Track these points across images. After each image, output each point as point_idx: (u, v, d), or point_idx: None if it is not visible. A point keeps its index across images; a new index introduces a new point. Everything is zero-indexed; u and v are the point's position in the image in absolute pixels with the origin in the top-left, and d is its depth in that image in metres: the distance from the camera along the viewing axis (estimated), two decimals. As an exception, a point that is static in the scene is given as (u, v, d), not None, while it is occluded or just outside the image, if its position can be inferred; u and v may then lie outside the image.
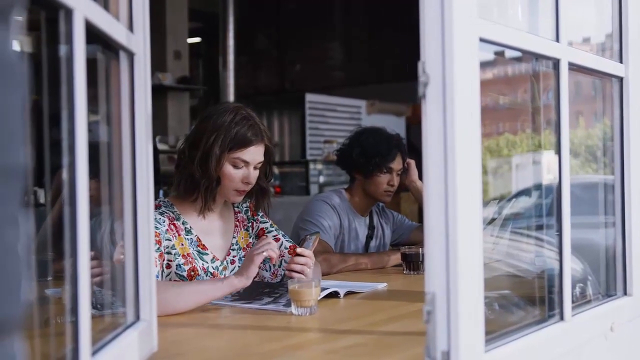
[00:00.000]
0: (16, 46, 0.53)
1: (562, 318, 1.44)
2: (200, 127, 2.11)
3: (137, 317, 1.32)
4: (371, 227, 3.04)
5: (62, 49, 0.96)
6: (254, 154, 2.10)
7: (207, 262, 2.11)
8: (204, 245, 2.13)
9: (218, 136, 2.06)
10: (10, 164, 0.50)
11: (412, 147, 5.32)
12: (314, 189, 7.03)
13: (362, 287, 2.18)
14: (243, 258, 2.20)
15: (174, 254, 2.05)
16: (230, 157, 2.08)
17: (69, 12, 0.94)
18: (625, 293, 1.72)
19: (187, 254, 2.08)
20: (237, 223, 2.27)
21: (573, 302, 1.48)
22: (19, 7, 0.53)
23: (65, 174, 0.97)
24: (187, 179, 2.11)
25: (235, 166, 2.09)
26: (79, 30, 0.96)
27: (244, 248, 2.25)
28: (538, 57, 1.49)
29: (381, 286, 2.25)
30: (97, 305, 1.28)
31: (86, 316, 0.98)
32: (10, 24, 0.51)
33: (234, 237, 2.24)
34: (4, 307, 0.51)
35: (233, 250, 2.22)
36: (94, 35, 1.06)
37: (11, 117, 0.49)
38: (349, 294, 2.08)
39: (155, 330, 1.37)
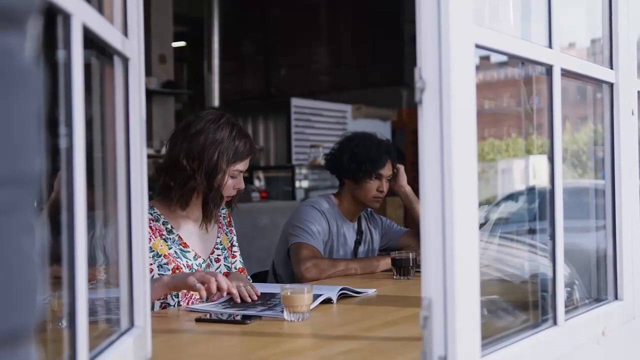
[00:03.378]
0: (31, 53, 0.52)
1: (555, 323, 1.45)
2: (196, 141, 2.14)
3: (132, 324, 1.31)
4: (359, 233, 3.03)
5: (60, 54, 0.95)
6: (247, 163, 2.24)
7: (190, 260, 2.18)
8: (185, 243, 2.20)
9: (222, 152, 2.14)
10: (26, 172, 0.50)
11: (398, 152, 5.31)
12: (300, 193, 7.02)
13: (353, 290, 2.17)
14: (227, 258, 2.32)
15: (153, 256, 2.09)
16: (231, 169, 2.18)
17: (67, 17, 0.94)
18: (616, 297, 1.74)
19: (169, 254, 2.13)
20: (220, 225, 2.35)
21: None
22: (34, 15, 0.53)
23: (61, 179, 0.96)
24: (188, 191, 2.15)
25: (233, 177, 2.20)
26: (77, 36, 0.95)
27: (228, 248, 2.34)
28: (532, 63, 1.49)
29: (371, 292, 2.25)
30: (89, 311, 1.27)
31: (83, 324, 0.97)
32: (25, 31, 0.51)
33: (218, 237, 2.32)
34: (22, 315, 0.50)
35: (217, 249, 2.30)
36: (89, 40, 1.05)
37: (27, 124, 0.49)
38: (342, 297, 2.07)
39: (149, 337, 1.36)
